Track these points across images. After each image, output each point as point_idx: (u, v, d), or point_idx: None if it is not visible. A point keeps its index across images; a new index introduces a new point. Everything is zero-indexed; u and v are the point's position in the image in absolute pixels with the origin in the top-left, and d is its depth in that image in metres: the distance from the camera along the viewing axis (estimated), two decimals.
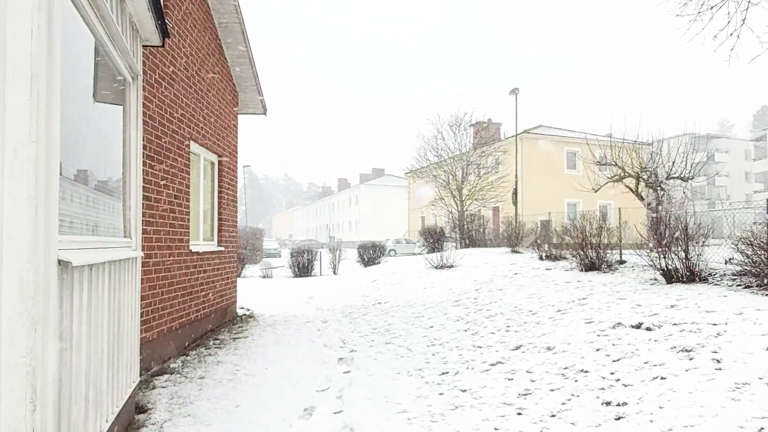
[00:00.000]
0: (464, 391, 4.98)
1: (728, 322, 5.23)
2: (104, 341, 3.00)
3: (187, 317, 6.94)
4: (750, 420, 3.36)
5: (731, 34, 7.21)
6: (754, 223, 8.20)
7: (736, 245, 7.79)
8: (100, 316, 2.90)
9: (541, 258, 13.03)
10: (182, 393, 5.03)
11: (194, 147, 7.35)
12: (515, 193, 23.33)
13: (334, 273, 21.06)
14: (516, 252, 15.64)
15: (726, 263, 8.24)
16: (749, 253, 7.38)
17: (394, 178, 62.63)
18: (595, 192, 15.41)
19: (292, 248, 23.21)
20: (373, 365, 6.17)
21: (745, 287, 7.07)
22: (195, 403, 4.78)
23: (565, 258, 12.05)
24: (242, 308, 10.53)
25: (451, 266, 13.59)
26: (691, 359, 4.56)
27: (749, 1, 7.11)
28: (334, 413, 4.54)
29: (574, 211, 24.76)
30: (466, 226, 20.71)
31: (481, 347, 6.37)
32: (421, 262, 15.01)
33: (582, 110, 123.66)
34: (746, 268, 7.42)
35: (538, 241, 14.11)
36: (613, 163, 14.81)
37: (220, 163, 8.68)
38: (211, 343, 7.29)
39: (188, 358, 6.40)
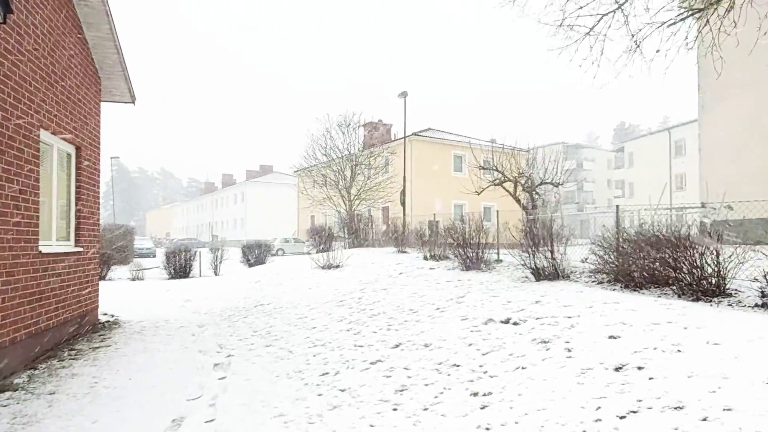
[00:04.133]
0: (343, 390, 4.97)
1: (580, 315, 5.82)
2: None
3: (36, 326, 6.11)
4: (590, 401, 3.75)
5: (593, 63, 8.09)
6: (603, 226, 9.27)
7: (591, 246, 8.79)
8: None
9: (425, 258, 13.52)
10: (27, 411, 4.44)
11: (45, 136, 6.48)
12: (403, 193, 24.04)
13: (215, 274, 20.01)
14: (402, 252, 16.08)
15: (582, 262, 9.22)
16: (601, 253, 8.37)
17: (283, 175, 61.37)
18: (479, 194, 16.33)
19: (169, 248, 21.64)
20: (251, 369, 5.93)
21: (598, 283, 7.98)
22: (43, 421, 4.25)
23: (448, 258, 12.62)
24: (106, 314, 9.55)
25: (337, 266, 13.59)
26: (547, 350, 5.00)
27: (605, 36, 8.04)
28: (206, 422, 4.28)
29: (461, 212, 26.18)
30: (354, 226, 20.90)
31: (362, 346, 6.42)
32: (308, 262, 14.82)
33: (471, 118, 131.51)
34: (599, 266, 8.39)
35: (424, 241, 14.65)
36: (494, 167, 15.82)
37: (78, 154, 7.75)
38: (66, 354, 6.50)
39: (37, 372, 5.65)
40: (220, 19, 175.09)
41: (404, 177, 24.44)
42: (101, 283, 9.55)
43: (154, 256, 33.18)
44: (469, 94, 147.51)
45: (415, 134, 31.68)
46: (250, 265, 21.33)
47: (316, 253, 19.41)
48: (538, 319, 6.04)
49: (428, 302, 8.05)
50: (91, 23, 7.79)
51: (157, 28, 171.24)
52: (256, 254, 22.03)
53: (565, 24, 7.96)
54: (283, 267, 16.24)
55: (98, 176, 8.65)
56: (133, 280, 18.05)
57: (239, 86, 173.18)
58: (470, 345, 5.65)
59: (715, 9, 7.80)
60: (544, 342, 5.22)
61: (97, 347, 6.94)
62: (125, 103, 9.56)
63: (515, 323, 6.08)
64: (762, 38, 7.95)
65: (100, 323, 8.71)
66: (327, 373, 5.56)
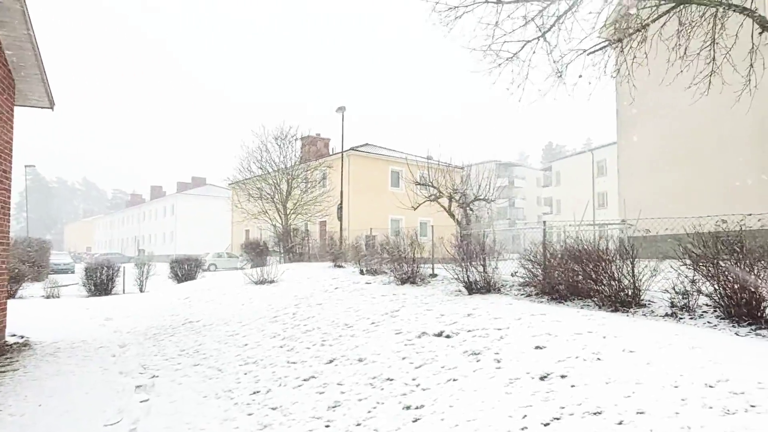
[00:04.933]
0: (275, 408, 4.83)
1: (509, 327, 6.02)
2: None
3: None
4: (517, 410, 3.87)
5: (518, 86, 8.53)
6: (532, 242, 9.70)
7: (521, 261, 9.16)
8: None
9: (362, 272, 13.51)
10: None
11: None
12: (340, 208, 23.97)
13: (141, 290, 18.90)
14: (339, 267, 15.98)
15: (512, 276, 9.57)
16: (530, 267, 8.74)
17: (217, 188, 59.14)
18: (415, 210, 16.58)
19: (89, 263, 20.19)
20: (177, 390, 5.63)
21: (527, 296, 8.30)
22: None
23: (384, 272, 12.67)
24: (15, 335, 8.73)
25: (272, 281, 13.28)
26: (478, 361, 5.12)
27: (528, 64, 8.53)
28: None
29: (398, 227, 26.41)
30: (290, 241, 20.54)
31: (295, 363, 6.28)
32: (241, 278, 14.37)
33: (409, 134, 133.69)
34: (528, 279, 8.75)
35: (360, 256, 14.65)
36: (430, 183, 16.14)
37: None
38: None
39: None
40: (153, 23, 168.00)
41: (341, 191, 24.41)
42: (10, 301, 8.73)
43: (73, 272, 30.88)
44: (410, 110, 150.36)
45: (353, 149, 31.82)
46: (180, 281, 20.35)
47: (251, 268, 18.87)
48: (469, 331, 6.18)
49: (363, 317, 8.02)
50: (4, 22, 7.22)
51: (82, 28, 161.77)
52: (186, 269, 21.04)
53: (494, 47, 8.38)
54: (215, 282, 15.64)
55: (9, 186, 7.97)
56: (48, 297, 16.65)
57: (173, 96, 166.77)
58: (404, 359, 5.68)
59: (630, 41, 8.49)
60: (475, 354, 5.35)
61: (2, 371, 6.32)
62: (43, 108, 8.90)
63: (448, 336, 6.18)
64: (669, 69, 8.72)
65: (7, 345, 7.95)
66: (258, 392, 5.38)
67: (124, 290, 18.87)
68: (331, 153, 34.68)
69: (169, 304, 12.79)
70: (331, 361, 6.10)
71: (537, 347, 5.13)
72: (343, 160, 25.93)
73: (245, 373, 6.13)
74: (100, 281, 17.69)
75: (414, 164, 19.19)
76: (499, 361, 4.99)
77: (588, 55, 8.36)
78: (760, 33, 7.31)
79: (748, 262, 5.41)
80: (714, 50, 8.50)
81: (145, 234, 69.32)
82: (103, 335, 9.30)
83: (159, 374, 6.33)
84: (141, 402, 5.22)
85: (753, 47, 8.28)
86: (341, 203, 24.21)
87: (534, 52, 8.48)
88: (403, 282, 11.02)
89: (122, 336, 9.19)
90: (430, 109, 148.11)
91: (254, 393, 5.36)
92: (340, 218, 23.67)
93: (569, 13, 8.19)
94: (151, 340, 8.70)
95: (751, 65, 8.48)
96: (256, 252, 21.73)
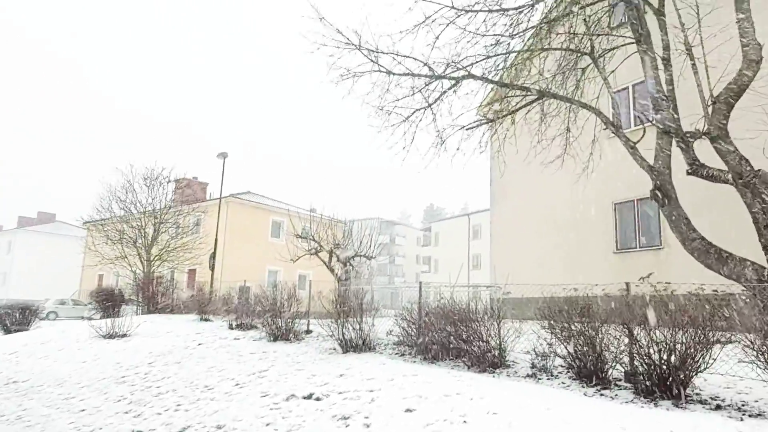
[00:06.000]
0: None
1: (381, 389, 5.88)
2: None
3: None
4: None
5: (403, 149, 8.93)
6: (409, 302, 9.83)
7: (396, 319, 9.18)
8: None
9: (231, 327, 12.61)
10: None
11: None
12: (213, 256, 22.51)
13: None
14: (206, 320, 14.77)
15: (387, 335, 9.53)
16: (404, 326, 8.78)
17: (69, 226, 52.24)
18: (294, 262, 16.15)
19: None
20: None
21: (401, 355, 8.27)
22: None
23: (255, 327, 11.96)
24: None
25: (124, 335, 11.77)
26: (347, 426, 4.87)
27: (416, 129, 9.04)
28: None
29: (275, 279, 25.41)
30: (151, 289, 18.63)
31: None
32: (88, 330, 12.56)
33: (296, 183, 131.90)
34: (402, 338, 8.75)
35: (231, 308, 13.69)
36: (312, 237, 15.91)
37: None
38: None
39: None
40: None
41: (216, 239, 23.06)
42: None
43: None
44: (299, 158, 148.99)
45: (233, 196, 30.61)
46: (9, 332, 17.21)
47: (100, 318, 16.68)
48: (341, 393, 5.91)
49: (227, 377, 7.35)
50: None
51: None
52: (17, 318, 17.90)
53: (386, 108, 8.78)
54: (53, 334, 13.46)
55: None
56: None
57: (79, 117, 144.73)
58: (268, 425, 5.21)
59: (502, 122, 9.45)
60: (345, 418, 5.08)
61: None
62: None
63: (318, 398, 5.85)
64: (532, 149, 9.79)
65: None
66: None
67: None
68: (208, 198, 32.99)
69: None
70: (184, 429, 5.40)
71: (407, 410, 5.03)
72: (220, 207, 24.71)
73: None
74: None
75: (296, 216, 18.91)
76: (368, 426, 4.78)
77: (466, 130, 9.07)
78: (604, 129, 8.56)
79: (594, 325, 5.96)
80: (567, 138, 9.78)
81: None
82: None
83: None
84: None
85: (595, 138, 9.70)
86: (215, 251, 22.78)
87: (420, 120, 9.00)
88: (276, 338, 10.44)
89: None
90: (320, 161, 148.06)
91: None
92: (212, 267, 22.17)
93: (451, 91, 8.88)
94: None
95: (591, 153, 9.93)
96: (109, 300, 19.30)
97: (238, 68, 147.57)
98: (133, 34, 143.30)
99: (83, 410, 6.52)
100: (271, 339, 10.46)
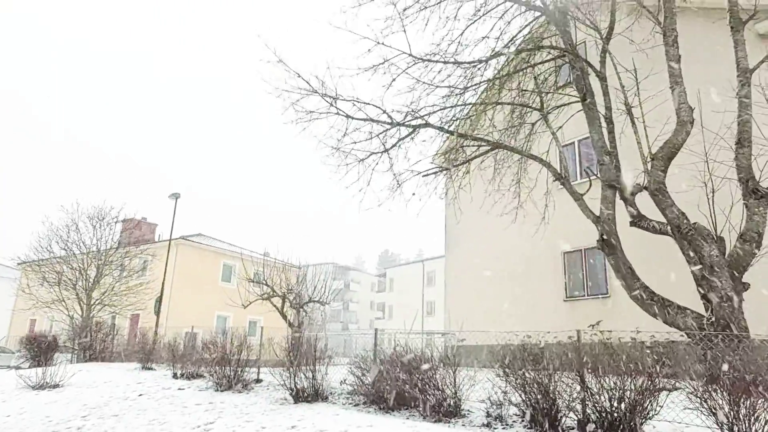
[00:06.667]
0: None
1: None
2: None
3: None
4: None
5: (360, 190, 9.02)
6: (364, 349, 9.64)
7: (350, 367, 8.95)
8: None
9: (175, 376, 11.93)
10: None
11: None
12: (159, 301, 21.46)
13: None
14: (148, 369, 13.92)
15: (341, 384, 9.25)
16: (359, 374, 8.56)
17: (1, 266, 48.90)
18: (245, 308, 15.64)
19: None
20: None
21: (355, 405, 8.02)
22: None
23: (202, 376, 11.38)
24: None
25: (56, 386, 10.87)
26: None
27: (372, 172, 9.18)
28: None
29: (224, 325, 24.41)
30: (90, 336, 17.44)
31: None
32: (14, 380, 11.53)
33: (247, 225, 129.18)
34: (356, 387, 8.51)
35: (176, 356, 12.98)
36: (264, 281, 15.53)
37: None
38: None
39: None
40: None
41: (163, 283, 22.10)
42: None
43: None
44: (252, 202, 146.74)
45: (183, 238, 29.64)
46: None
47: (29, 367, 15.41)
48: None
49: (169, 431, 6.87)
50: None
51: None
52: None
53: (344, 149, 8.91)
54: None
55: None
56: None
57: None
58: None
59: (457, 170, 9.75)
60: None
61: None
62: None
63: None
64: (487, 198, 10.12)
65: None
66: None
67: None
68: (157, 240, 31.79)
69: None
70: None
71: None
72: (169, 249, 23.83)
73: None
74: None
75: (249, 259, 18.48)
76: None
77: (423, 176, 9.30)
78: (554, 181, 8.98)
79: (547, 373, 6.01)
80: (519, 188, 10.18)
81: None
82: None
83: None
84: None
85: (547, 190, 10.13)
86: (161, 295, 21.76)
87: (377, 164, 9.16)
88: (224, 388, 9.93)
89: None
90: (278, 201, 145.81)
91: None
92: (157, 312, 21.12)
93: (408, 138, 9.14)
94: None
95: (546, 205, 10.31)
96: (41, 347, 17.89)
97: (188, 106, 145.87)
98: (89, 73, 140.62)
99: None
100: (219, 389, 9.95)
